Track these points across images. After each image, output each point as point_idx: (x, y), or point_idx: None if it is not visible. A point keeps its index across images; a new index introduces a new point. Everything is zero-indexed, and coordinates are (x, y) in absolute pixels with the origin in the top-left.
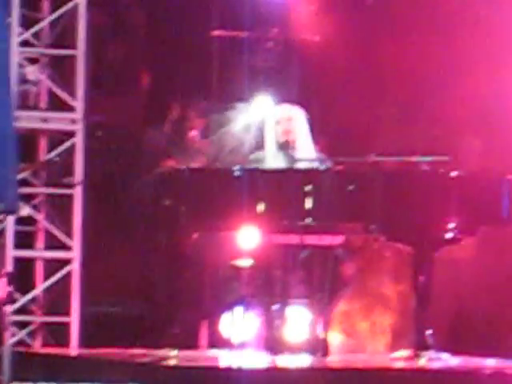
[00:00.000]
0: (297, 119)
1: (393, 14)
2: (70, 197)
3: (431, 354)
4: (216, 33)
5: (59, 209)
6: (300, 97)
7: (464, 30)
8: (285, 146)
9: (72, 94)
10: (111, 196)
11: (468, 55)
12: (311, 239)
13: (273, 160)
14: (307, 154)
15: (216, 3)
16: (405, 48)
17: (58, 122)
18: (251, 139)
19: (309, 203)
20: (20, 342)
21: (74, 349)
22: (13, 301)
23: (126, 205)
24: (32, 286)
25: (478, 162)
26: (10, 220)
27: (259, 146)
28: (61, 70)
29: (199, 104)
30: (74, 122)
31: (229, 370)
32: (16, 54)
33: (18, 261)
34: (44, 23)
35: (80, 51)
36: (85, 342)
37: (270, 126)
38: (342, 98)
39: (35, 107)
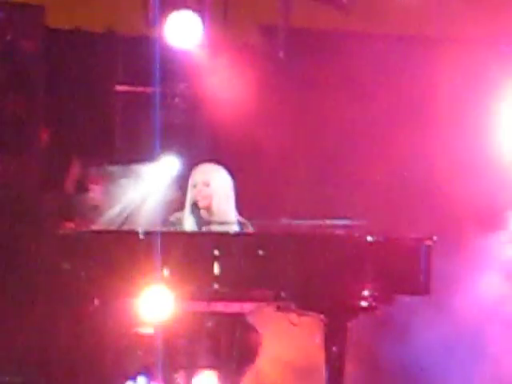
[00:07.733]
0: (215, 183)
1: (308, 70)
2: None
3: None
4: (120, 88)
5: None
6: (208, 155)
7: (379, 94)
8: (195, 210)
9: None
10: (7, 259)
11: (383, 120)
12: (219, 306)
13: (188, 222)
14: (224, 217)
15: (120, 57)
16: (318, 106)
17: None
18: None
19: (217, 268)
20: None
21: None
22: None
23: (23, 269)
24: None
25: (392, 226)
26: None
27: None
28: None
29: (101, 162)
30: None
31: None
32: None
33: None
34: None
35: None
36: None
37: (189, 187)
38: (252, 157)
39: None
